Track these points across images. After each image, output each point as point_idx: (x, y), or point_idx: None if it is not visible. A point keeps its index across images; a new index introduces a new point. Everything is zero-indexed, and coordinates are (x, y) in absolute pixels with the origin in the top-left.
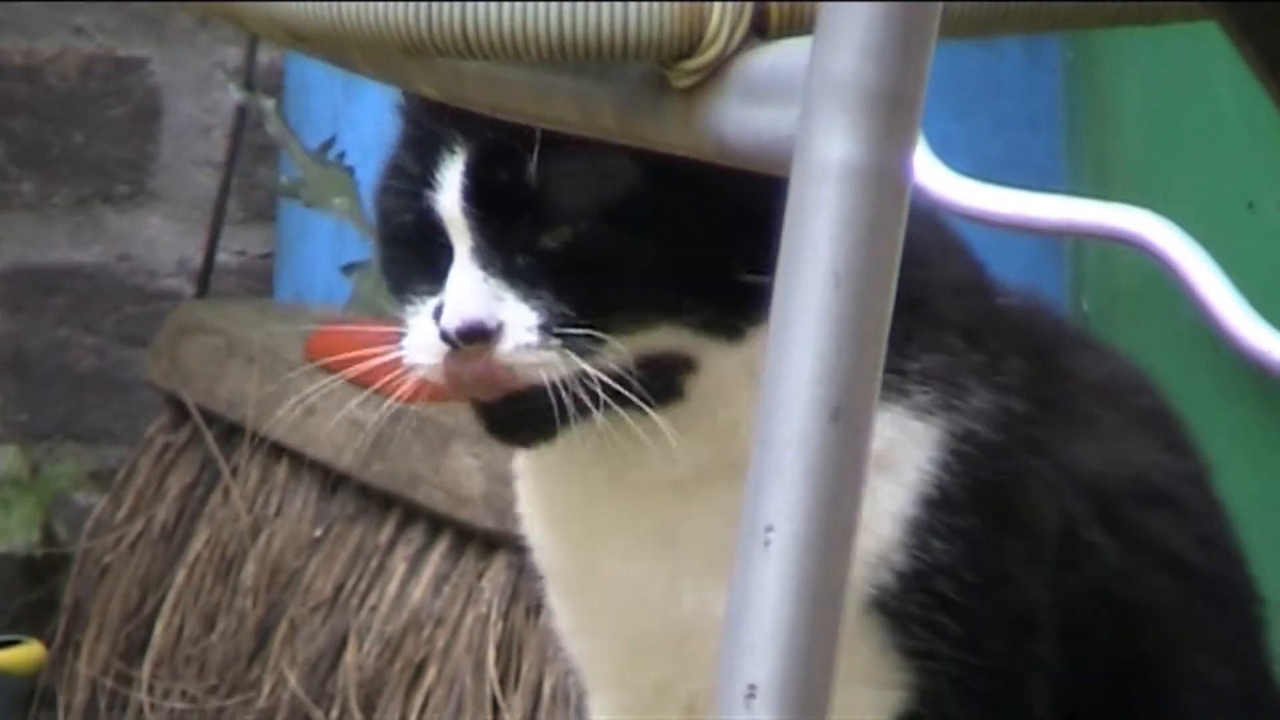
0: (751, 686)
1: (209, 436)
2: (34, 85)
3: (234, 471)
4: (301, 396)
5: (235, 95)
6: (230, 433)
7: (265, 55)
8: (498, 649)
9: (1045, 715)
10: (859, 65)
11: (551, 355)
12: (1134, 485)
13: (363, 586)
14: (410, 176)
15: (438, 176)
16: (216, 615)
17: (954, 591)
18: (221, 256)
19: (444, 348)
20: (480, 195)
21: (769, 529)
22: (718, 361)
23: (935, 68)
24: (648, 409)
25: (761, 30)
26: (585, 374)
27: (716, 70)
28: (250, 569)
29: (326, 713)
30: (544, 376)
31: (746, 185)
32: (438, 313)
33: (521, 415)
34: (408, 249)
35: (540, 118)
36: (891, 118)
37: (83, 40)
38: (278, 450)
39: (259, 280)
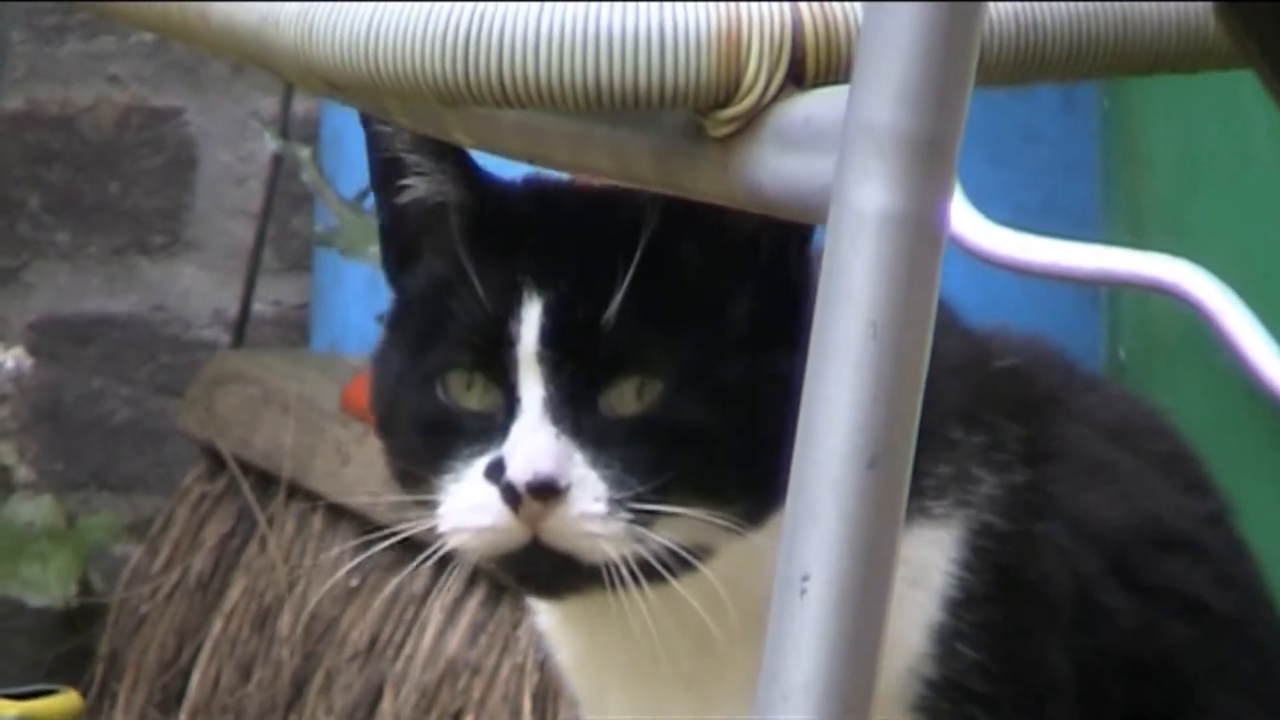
0: None
1: (245, 486)
2: (69, 135)
3: (270, 521)
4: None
5: (270, 144)
6: (266, 482)
7: (301, 105)
8: (534, 699)
9: None
10: (895, 113)
11: (617, 529)
12: (1149, 532)
13: (399, 636)
14: (474, 319)
15: (518, 316)
16: (253, 665)
17: (982, 684)
18: (257, 306)
19: (502, 508)
20: (560, 340)
21: (805, 578)
22: (734, 549)
23: (972, 115)
24: (671, 580)
25: (798, 79)
26: (640, 553)
27: (753, 119)
28: (286, 619)
29: None
30: (603, 550)
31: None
32: (494, 470)
33: (559, 572)
34: (446, 411)
35: (576, 166)
36: (928, 166)
37: (118, 90)
38: (314, 500)
39: (294, 330)
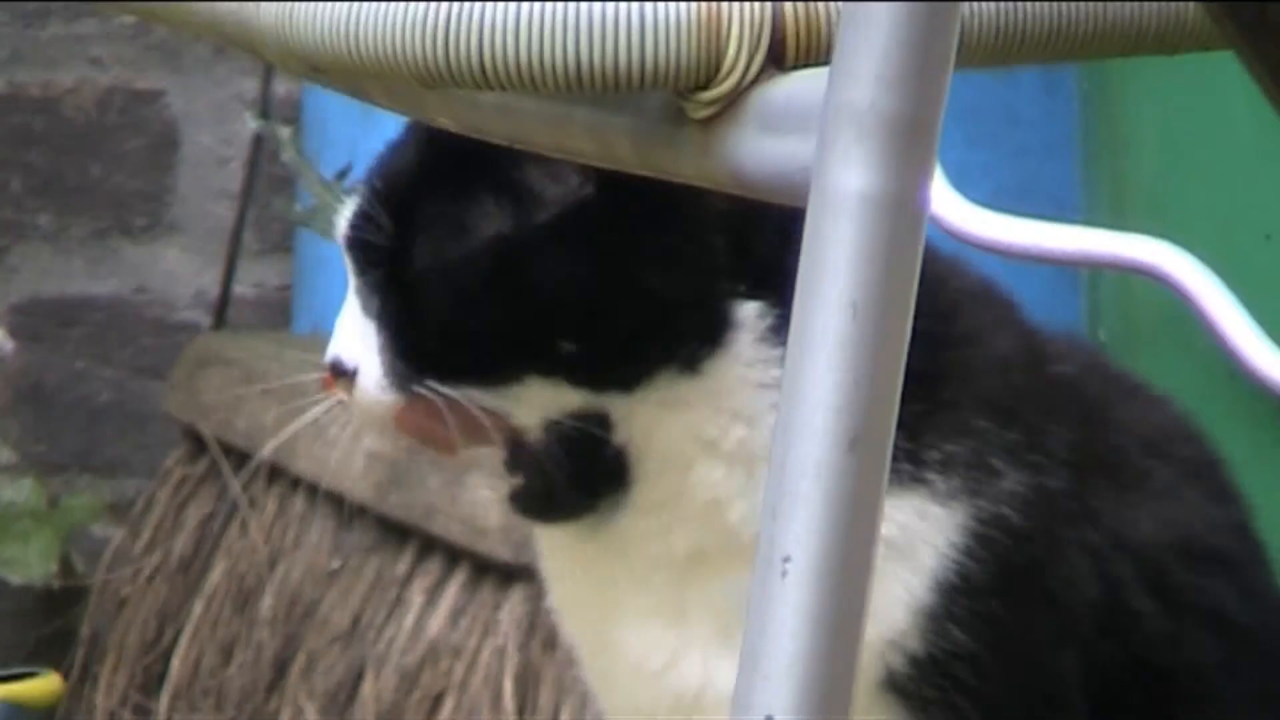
0: (769, 718)
1: (226, 468)
2: (51, 117)
3: (251, 503)
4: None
5: (251, 124)
6: (248, 464)
7: (284, 87)
8: (515, 681)
9: None
10: (876, 94)
11: (394, 398)
12: (1181, 544)
13: (380, 618)
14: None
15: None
16: (234, 647)
17: (973, 676)
18: (238, 288)
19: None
20: (354, 235)
21: (786, 559)
22: (642, 424)
23: (952, 97)
24: (598, 491)
25: (778, 61)
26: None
27: (733, 101)
28: (268, 600)
29: None
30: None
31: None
32: None
33: (545, 495)
34: None
35: (557, 148)
36: (908, 147)
37: (99, 72)
38: (295, 482)
39: (277, 312)
